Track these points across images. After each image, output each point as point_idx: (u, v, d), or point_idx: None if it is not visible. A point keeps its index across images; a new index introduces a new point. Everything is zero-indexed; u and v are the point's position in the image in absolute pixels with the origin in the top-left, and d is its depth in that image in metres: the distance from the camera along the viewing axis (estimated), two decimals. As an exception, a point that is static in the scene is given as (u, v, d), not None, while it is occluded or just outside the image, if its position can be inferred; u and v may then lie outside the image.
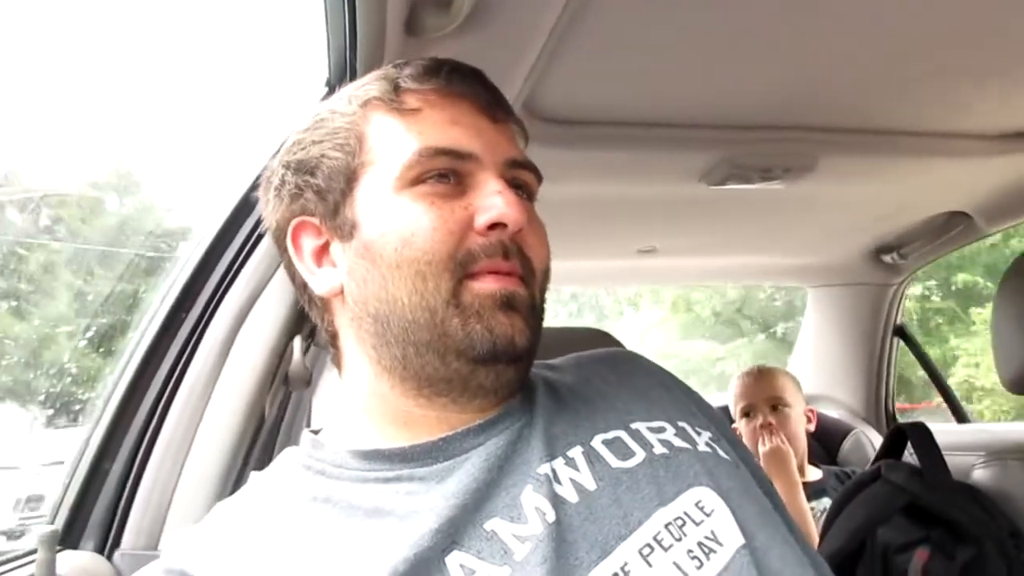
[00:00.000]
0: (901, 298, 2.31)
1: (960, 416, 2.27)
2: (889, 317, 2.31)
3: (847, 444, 2.15)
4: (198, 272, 1.02)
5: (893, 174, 1.60)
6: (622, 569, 0.55)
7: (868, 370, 2.34)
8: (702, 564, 0.56)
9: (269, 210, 0.71)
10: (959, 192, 1.74)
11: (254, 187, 0.76)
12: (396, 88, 0.66)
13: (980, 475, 1.32)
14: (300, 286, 0.71)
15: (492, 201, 0.62)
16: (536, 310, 0.65)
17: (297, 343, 1.05)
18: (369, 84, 0.67)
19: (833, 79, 1.21)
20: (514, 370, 0.64)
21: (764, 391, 1.86)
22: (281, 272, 1.02)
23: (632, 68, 1.13)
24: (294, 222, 0.68)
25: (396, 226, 0.62)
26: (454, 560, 0.55)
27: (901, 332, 2.34)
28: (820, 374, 2.42)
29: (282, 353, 1.04)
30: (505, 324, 0.61)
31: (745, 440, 1.83)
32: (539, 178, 0.70)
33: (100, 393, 0.99)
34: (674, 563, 0.56)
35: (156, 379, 0.97)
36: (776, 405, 1.84)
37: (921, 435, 1.32)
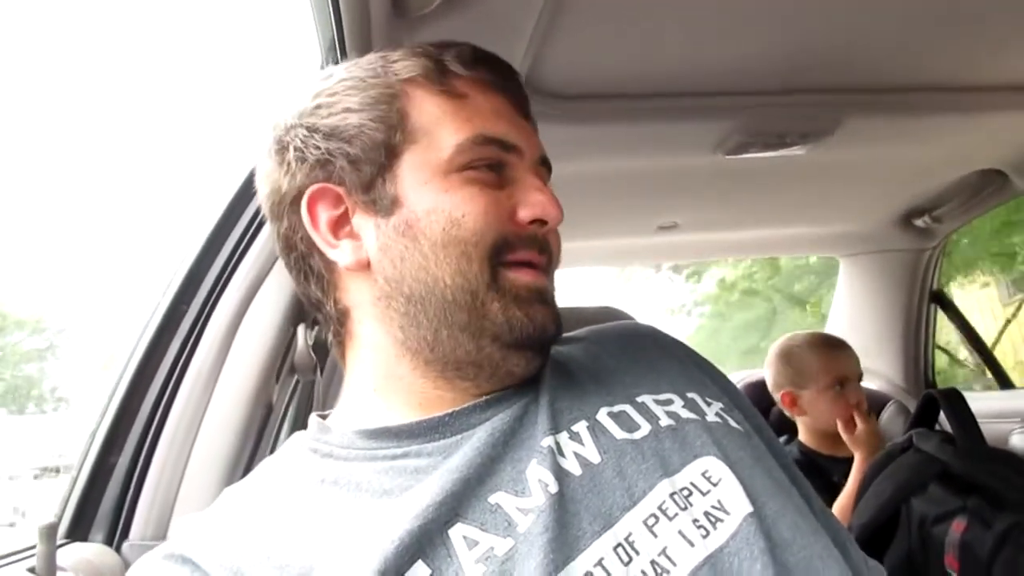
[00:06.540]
0: (937, 263, 2.24)
1: (1004, 382, 2.19)
2: (925, 283, 2.24)
3: (886, 415, 2.08)
4: (198, 263, 1.03)
5: (919, 133, 1.54)
6: (626, 540, 0.55)
7: (906, 339, 2.28)
8: (708, 533, 0.56)
9: (281, 174, 0.67)
10: (991, 148, 1.67)
11: (252, 176, 0.74)
12: (443, 70, 0.66)
13: (1018, 440, 1.27)
14: (299, 257, 0.68)
15: (536, 197, 0.65)
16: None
17: (301, 331, 1.06)
18: (406, 60, 0.67)
19: (849, 36, 1.15)
20: (542, 357, 0.66)
21: (854, 365, 1.76)
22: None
23: (635, 36, 1.10)
24: (312, 188, 0.65)
25: (445, 206, 0.63)
26: (457, 532, 0.55)
27: (938, 298, 2.27)
28: (856, 345, 2.34)
29: (288, 342, 1.04)
30: (543, 312, 0.65)
31: (826, 407, 1.70)
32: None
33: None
34: (679, 532, 0.56)
35: (160, 371, 0.98)
36: (860, 379, 1.77)
37: (952, 402, 1.27)
